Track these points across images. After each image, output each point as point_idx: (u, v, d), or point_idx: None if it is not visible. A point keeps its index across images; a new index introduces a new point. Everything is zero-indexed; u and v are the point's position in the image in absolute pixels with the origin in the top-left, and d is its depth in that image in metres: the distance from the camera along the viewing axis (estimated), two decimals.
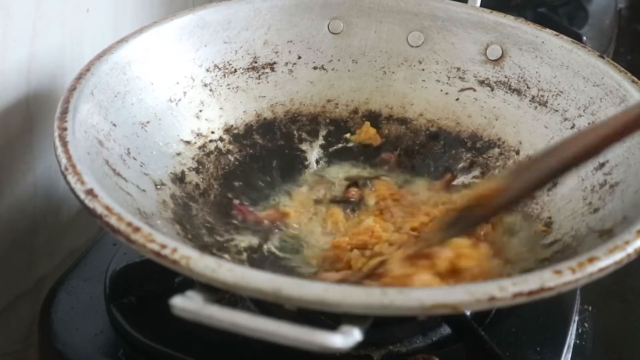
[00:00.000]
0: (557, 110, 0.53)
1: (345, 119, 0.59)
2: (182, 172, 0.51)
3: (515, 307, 0.45)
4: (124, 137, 0.47)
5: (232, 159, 0.54)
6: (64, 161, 0.38)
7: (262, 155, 0.56)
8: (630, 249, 0.35)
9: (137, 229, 0.34)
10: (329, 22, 0.60)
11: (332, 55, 0.60)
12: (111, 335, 0.44)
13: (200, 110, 0.55)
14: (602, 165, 0.48)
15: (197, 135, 0.54)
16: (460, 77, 0.58)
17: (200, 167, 0.52)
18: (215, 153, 0.54)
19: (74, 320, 0.46)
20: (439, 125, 0.58)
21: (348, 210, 0.51)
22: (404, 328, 0.45)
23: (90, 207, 0.35)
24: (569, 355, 0.45)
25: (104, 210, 0.35)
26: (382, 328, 0.44)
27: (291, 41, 0.59)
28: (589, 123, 0.51)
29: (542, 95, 0.55)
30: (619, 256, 0.35)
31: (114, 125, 0.46)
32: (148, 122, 0.50)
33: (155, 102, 0.51)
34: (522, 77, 0.56)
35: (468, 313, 0.44)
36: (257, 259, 0.47)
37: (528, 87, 0.55)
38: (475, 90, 0.58)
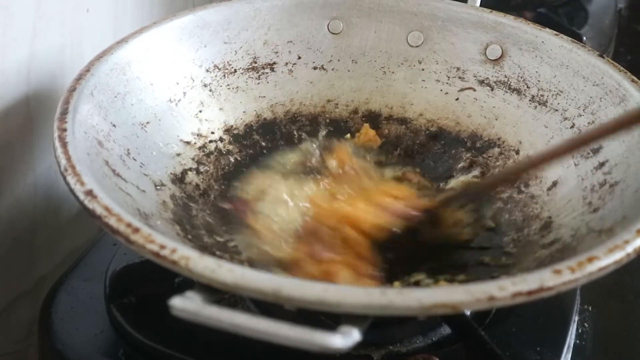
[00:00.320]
0: (557, 110, 0.53)
1: (345, 119, 0.59)
2: (182, 173, 0.51)
3: (515, 307, 0.45)
4: (124, 138, 0.47)
5: (232, 160, 0.54)
6: (63, 162, 0.38)
7: (262, 156, 0.56)
8: (630, 249, 0.35)
9: (136, 230, 0.34)
10: (329, 22, 0.60)
11: (332, 55, 0.60)
12: (111, 335, 0.44)
13: (200, 111, 0.55)
14: (602, 164, 0.48)
15: (197, 135, 0.54)
16: (460, 77, 0.58)
17: (200, 167, 0.52)
18: (215, 153, 0.54)
19: (74, 320, 0.46)
20: (439, 125, 0.58)
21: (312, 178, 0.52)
22: (404, 328, 0.45)
23: (90, 207, 0.35)
24: (569, 355, 0.45)
25: (103, 211, 0.35)
26: (382, 328, 0.44)
27: (291, 41, 0.59)
28: (588, 122, 0.51)
29: (542, 95, 0.55)
30: (618, 256, 0.35)
31: (114, 125, 0.46)
32: (148, 123, 0.50)
33: (155, 102, 0.51)
34: (521, 77, 0.56)
35: (468, 313, 0.44)
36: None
37: (528, 87, 0.55)
38: (475, 90, 0.58)
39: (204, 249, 0.45)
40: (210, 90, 0.56)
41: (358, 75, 0.60)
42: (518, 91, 0.56)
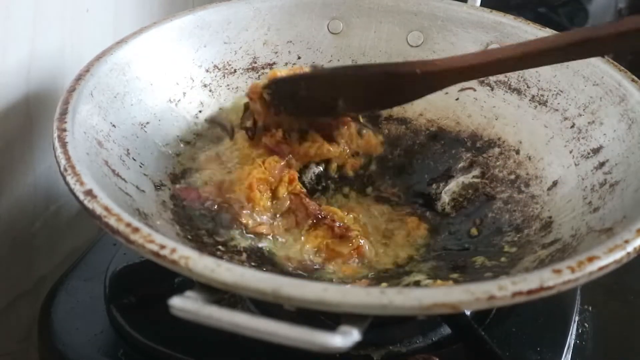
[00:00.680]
0: (557, 110, 0.53)
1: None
2: (182, 173, 0.51)
3: (515, 307, 0.45)
4: (124, 138, 0.47)
5: None
6: (63, 162, 0.38)
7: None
8: (630, 248, 0.35)
9: (136, 230, 0.34)
10: (329, 22, 0.60)
11: (331, 55, 0.60)
12: (111, 335, 0.44)
13: (200, 111, 0.55)
14: (602, 164, 0.48)
15: (197, 135, 0.54)
16: None
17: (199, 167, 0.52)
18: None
19: (74, 320, 0.46)
20: (438, 125, 0.58)
21: None
22: (404, 328, 0.45)
23: (90, 207, 0.35)
24: (569, 356, 0.45)
25: (103, 211, 0.35)
26: (382, 328, 0.44)
27: (291, 41, 0.59)
28: (589, 122, 0.51)
29: (542, 95, 0.55)
30: (618, 255, 0.35)
31: (114, 126, 0.46)
32: (147, 123, 0.50)
33: (155, 102, 0.51)
34: (522, 77, 0.56)
35: (468, 313, 0.44)
36: (257, 258, 0.47)
37: (528, 87, 0.55)
38: (475, 90, 0.58)
39: (204, 248, 0.45)
40: (210, 91, 0.56)
41: None
42: (518, 91, 0.56)
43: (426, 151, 0.57)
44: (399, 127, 0.59)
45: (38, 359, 0.47)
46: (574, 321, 0.47)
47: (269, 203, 0.48)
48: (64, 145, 0.39)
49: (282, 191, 0.49)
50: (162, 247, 0.33)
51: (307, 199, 0.49)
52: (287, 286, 0.31)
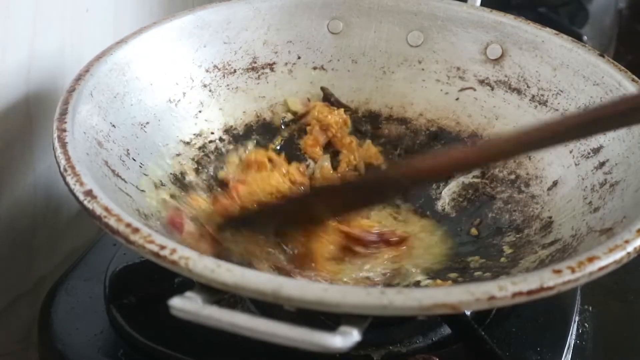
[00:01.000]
0: (557, 110, 0.53)
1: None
2: (182, 173, 0.51)
3: (515, 307, 0.45)
4: (123, 138, 0.47)
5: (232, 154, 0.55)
6: (63, 162, 0.38)
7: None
8: (630, 248, 0.35)
9: (136, 230, 0.34)
10: (329, 22, 0.60)
11: (331, 55, 0.60)
12: (111, 335, 0.44)
13: (200, 111, 0.55)
14: (602, 164, 0.48)
15: (197, 135, 0.54)
16: (460, 77, 0.58)
17: (199, 167, 0.52)
18: (215, 154, 0.54)
19: (74, 320, 0.46)
20: (439, 125, 0.58)
21: None
22: (404, 328, 0.45)
23: (89, 208, 0.35)
24: (569, 356, 0.45)
25: (103, 212, 0.35)
26: (382, 328, 0.44)
27: (291, 41, 0.59)
28: None
29: (542, 95, 0.54)
30: (618, 255, 0.35)
31: (113, 126, 0.46)
32: (147, 123, 0.50)
33: (155, 102, 0.51)
34: (522, 77, 0.56)
35: (468, 313, 0.44)
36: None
37: (528, 87, 0.55)
38: (475, 90, 0.58)
39: None
40: (210, 91, 0.56)
41: (358, 75, 0.60)
42: (518, 91, 0.56)
43: (426, 151, 0.57)
44: (399, 127, 0.59)
45: (38, 359, 0.47)
46: (574, 321, 0.47)
47: None
48: (63, 145, 0.39)
49: None
50: (162, 247, 0.33)
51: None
52: (287, 286, 0.31)
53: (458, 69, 0.58)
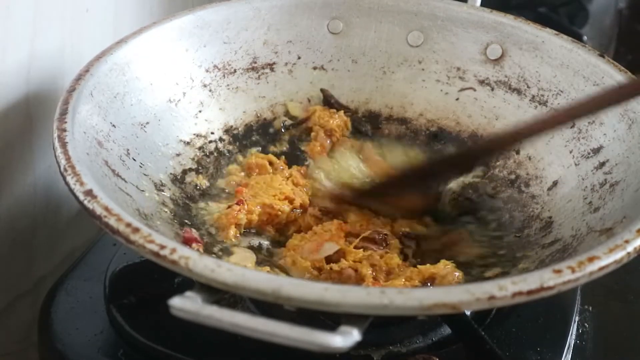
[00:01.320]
0: (557, 110, 0.53)
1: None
2: (182, 173, 0.51)
3: (515, 307, 0.45)
4: (123, 138, 0.47)
5: (232, 160, 0.54)
6: (63, 162, 0.38)
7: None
8: (630, 248, 0.35)
9: (136, 230, 0.34)
10: (329, 22, 0.60)
11: (332, 55, 0.60)
12: (111, 335, 0.44)
13: (200, 111, 0.55)
14: (602, 164, 0.48)
15: (197, 135, 0.54)
16: (460, 77, 0.58)
17: (199, 167, 0.52)
18: (215, 154, 0.54)
19: (74, 320, 0.46)
20: (439, 125, 0.58)
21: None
22: (404, 328, 0.45)
23: (90, 208, 0.35)
24: (569, 356, 0.45)
25: (103, 211, 0.35)
26: (382, 328, 0.44)
27: (291, 41, 0.59)
28: (589, 122, 0.51)
29: (542, 95, 0.55)
30: (619, 255, 0.35)
31: (113, 126, 0.46)
32: (147, 123, 0.50)
33: (155, 102, 0.51)
34: (522, 77, 0.56)
35: (468, 313, 0.44)
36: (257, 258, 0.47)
37: (528, 87, 0.55)
38: (475, 90, 0.58)
39: (204, 249, 0.45)
40: (210, 91, 0.56)
41: (358, 75, 0.60)
42: (518, 91, 0.56)
43: (426, 151, 0.57)
44: (399, 127, 0.59)
45: (38, 359, 0.47)
46: (574, 321, 0.47)
47: None
48: (64, 145, 0.39)
49: None
50: (162, 247, 0.33)
51: None
52: (287, 286, 0.31)
53: (458, 69, 0.58)
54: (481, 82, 0.57)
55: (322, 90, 0.58)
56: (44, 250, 0.58)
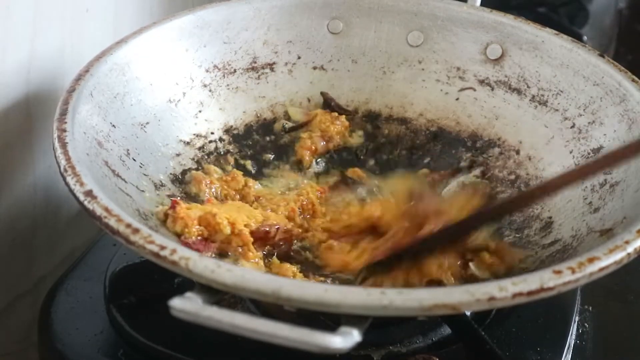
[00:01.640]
0: (557, 110, 0.53)
1: None
2: (182, 173, 0.51)
3: (515, 307, 0.45)
4: (123, 138, 0.47)
5: (232, 160, 0.54)
6: (63, 162, 0.38)
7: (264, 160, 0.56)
8: (630, 249, 0.35)
9: (136, 230, 0.34)
10: (329, 22, 0.60)
11: (331, 55, 0.60)
12: (111, 335, 0.44)
13: (200, 111, 0.55)
14: None
15: (197, 135, 0.54)
16: (460, 77, 0.58)
17: (199, 167, 0.52)
18: (215, 154, 0.54)
19: (74, 320, 0.46)
20: (439, 125, 0.58)
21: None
22: (404, 328, 0.45)
23: (90, 208, 0.35)
24: (569, 356, 0.45)
25: (103, 212, 0.35)
26: (382, 328, 0.44)
27: (291, 41, 0.59)
28: (589, 122, 0.51)
29: (542, 95, 0.55)
30: (619, 256, 0.35)
31: (113, 126, 0.46)
32: (147, 123, 0.50)
33: (155, 102, 0.51)
34: (522, 77, 0.56)
35: (468, 313, 0.44)
36: None
37: (528, 87, 0.55)
38: (475, 90, 0.58)
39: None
40: (210, 91, 0.56)
41: (358, 75, 0.60)
42: (518, 91, 0.56)
43: (426, 151, 0.57)
44: (399, 127, 0.59)
45: (38, 359, 0.47)
46: (574, 321, 0.47)
47: None
48: (64, 145, 0.39)
49: None
50: (162, 247, 0.33)
51: None
52: (287, 287, 0.31)
53: (458, 69, 0.58)
54: (481, 82, 0.57)
55: (322, 93, 0.58)
56: (44, 250, 0.58)
